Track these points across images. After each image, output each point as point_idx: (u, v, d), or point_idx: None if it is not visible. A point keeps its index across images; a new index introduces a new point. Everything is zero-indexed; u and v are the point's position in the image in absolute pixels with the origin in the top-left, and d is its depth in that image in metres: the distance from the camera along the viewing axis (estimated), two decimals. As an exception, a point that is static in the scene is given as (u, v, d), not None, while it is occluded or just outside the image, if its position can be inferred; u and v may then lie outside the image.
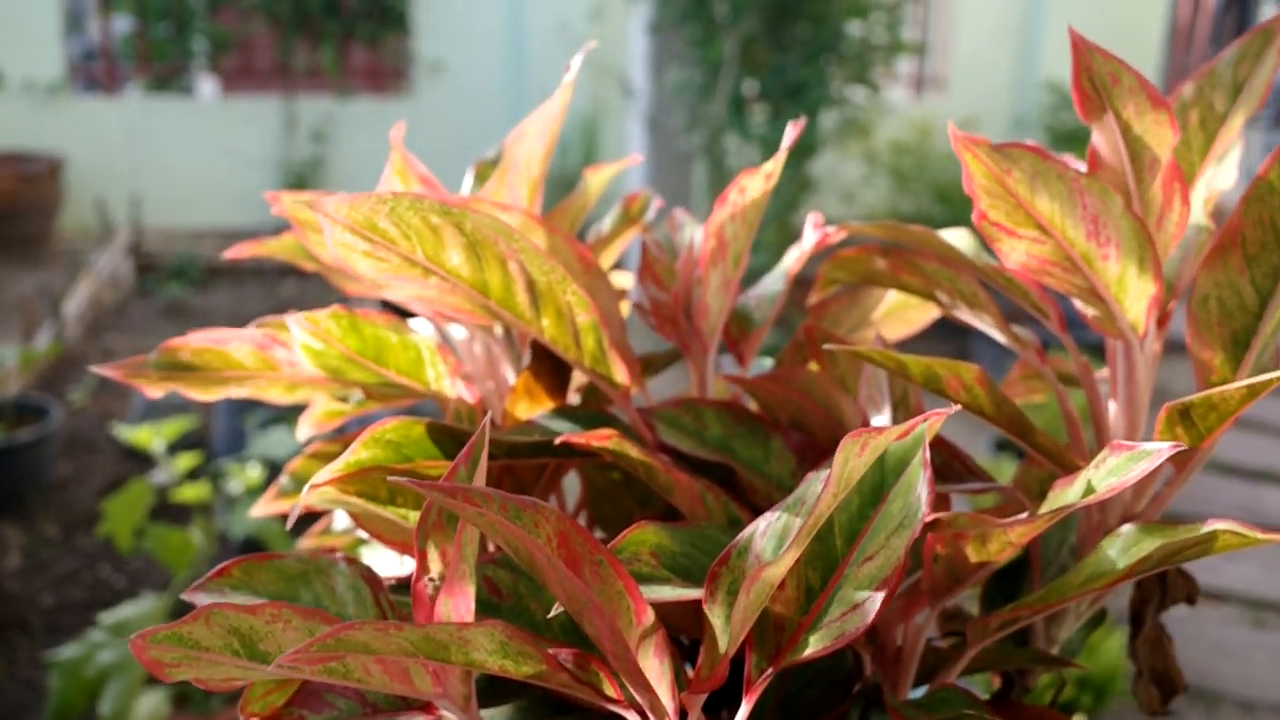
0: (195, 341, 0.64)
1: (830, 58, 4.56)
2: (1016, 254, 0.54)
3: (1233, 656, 2.56)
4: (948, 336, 3.84)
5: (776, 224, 4.54)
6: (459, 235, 0.52)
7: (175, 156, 6.33)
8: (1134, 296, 0.55)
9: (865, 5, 4.67)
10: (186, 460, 2.30)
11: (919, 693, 0.57)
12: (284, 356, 0.65)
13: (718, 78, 4.50)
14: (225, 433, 3.10)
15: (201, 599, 0.51)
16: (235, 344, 0.64)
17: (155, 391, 0.63)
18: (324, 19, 6.33)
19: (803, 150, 4.59)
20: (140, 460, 3.27)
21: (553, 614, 0.46)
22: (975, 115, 6.56)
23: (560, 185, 5.39)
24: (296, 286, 5.62)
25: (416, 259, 0.53)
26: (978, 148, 0.50)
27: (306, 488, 0.52)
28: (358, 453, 0.53)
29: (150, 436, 2.22)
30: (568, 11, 6.25)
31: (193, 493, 2.17)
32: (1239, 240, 0.55)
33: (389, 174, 0.68)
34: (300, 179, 6.27)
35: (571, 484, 0.70)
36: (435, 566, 0.47)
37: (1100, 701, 2.18)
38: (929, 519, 0.52)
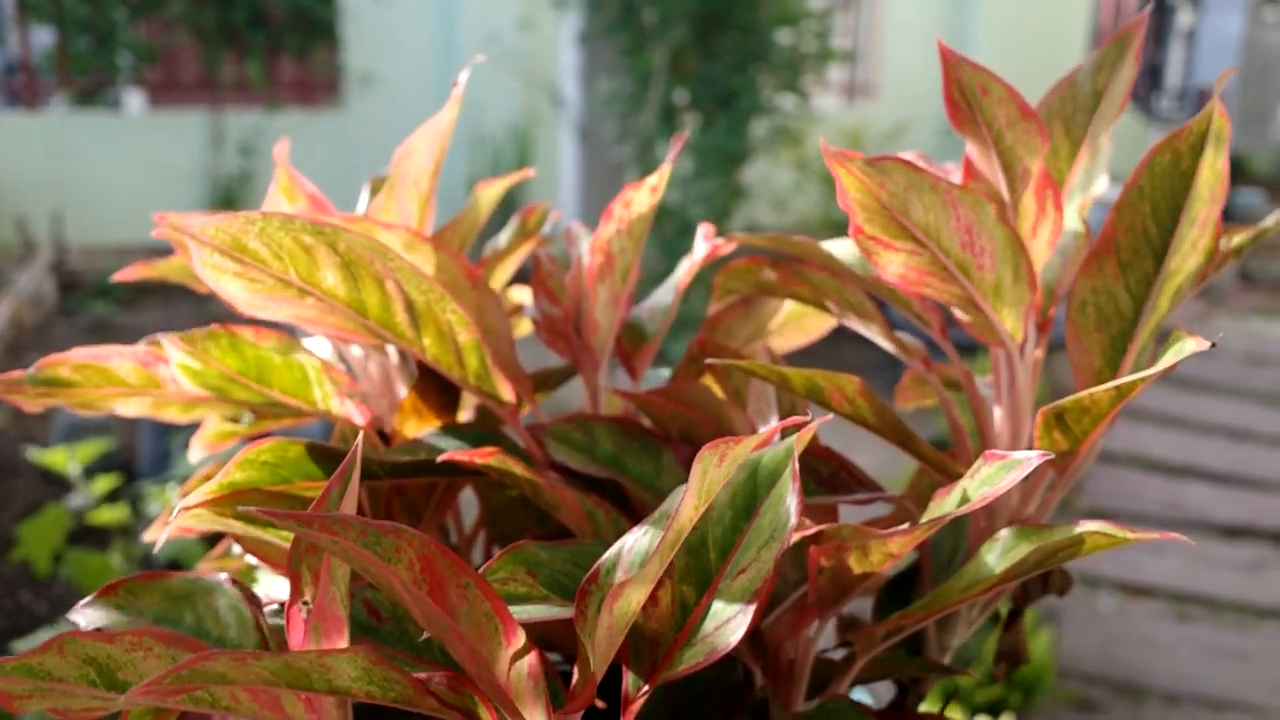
0: (76, 357, 0.62)
1: (760, 66, 4.59)
2: (894, 266, 0.54)
3: (1158, 650, 2.60)
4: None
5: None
6: (333, 255, 0.52)
7: (100, 172, 6.21)
8: (1011, 304, 0.55)
9: (794, 14, 4.71)
10: (105, 483, 2.25)
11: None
12: (169, 373, 0.63)
13: (648, 87, 4.51)
14: (151, 453, 3.03)
15: (87, 618, 0.50)
16: (117, 361, 0.62)
17: (32, 407, 0.62)
18: (250, 31, 6.25)
19: (734, 158, 4.62)
20: (62, 484, 3.20)
21: (423, 637, 0.45)
22: (906, 122, 6.64)
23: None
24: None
25: (290, 280, 0.52)
26: (851, 163, 0.50)
27: (175, 511, 0.50)
28: (232, 474, 0.52)
29: (65, 459, 2.17)
30: (498, 22, 6.23)
31: (110, 515, 2.13)
32: (1113, 247, 0.56)
33: (274, 192, 0.67)
34: (228, 193, 6.18)
35: (474, 502, 0.69)
36: (308, 591, 0.46)
37: (1029, 699, 2.21)
38: (812, 531, 0.52)
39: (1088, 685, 2.45)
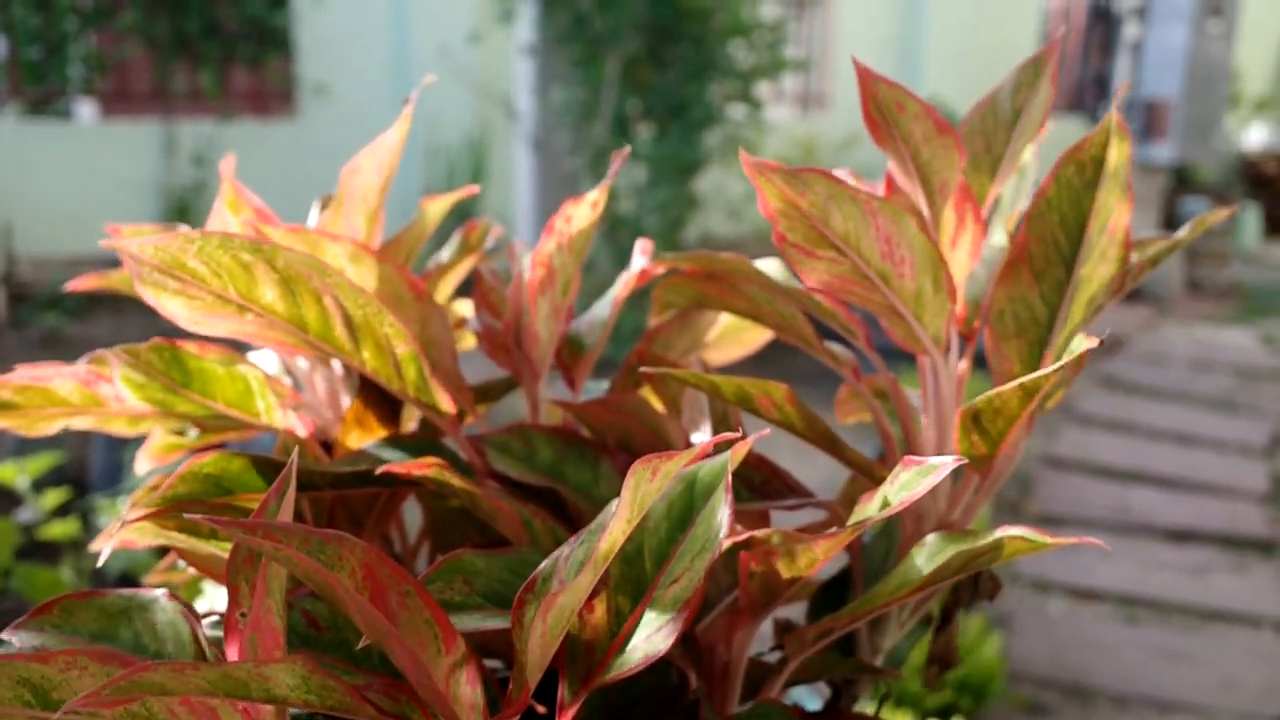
0: (17, 379, 0.63)
1: (712, 76, 4.62)
2: (817, 273, 0.56)
3: (1107, 653, 2.65)
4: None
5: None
6: (271, 272, 0.53)
7: (51, 182, 6.14)
8: (932, 313, 0.57)
9: (746, 24, 4.75)
10: (54, 497, 2.23)
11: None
12: (111, 392, 0.64)
13: (600, 97, 4.53)
14: (103, 466, 3.01)
15: (21, 640, 0.51)
16: (59, 380, 0.63)
17: (-26, 433, 0.62)
18: (203, 41, 6.20)
19: (688, 168, 4.65)
20: (12, 498, 3.17)
21: (360, 645, 0.46)
22: (858, 132, 6.69)
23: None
24: (180, 314, 5.47)
25: (229, 297, 0.53)
26: (772, 174, 0.52)
27: (118, 524, 0.51)
28: (175, 487, 0.53)
29: (14, 473, 2.15)
30: (450, 33, 6.23)
31: (60, 530, 2.11)
32: (1026, 257, 0.58)
33: (219, 207, 0.68)
34: (182, 204, 6.13)
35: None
36: (246, 602, 0.47)
37: (979, 703, 2.24)
38: (744, 537, 0.54)
39: (1038, 689, 2.49)
